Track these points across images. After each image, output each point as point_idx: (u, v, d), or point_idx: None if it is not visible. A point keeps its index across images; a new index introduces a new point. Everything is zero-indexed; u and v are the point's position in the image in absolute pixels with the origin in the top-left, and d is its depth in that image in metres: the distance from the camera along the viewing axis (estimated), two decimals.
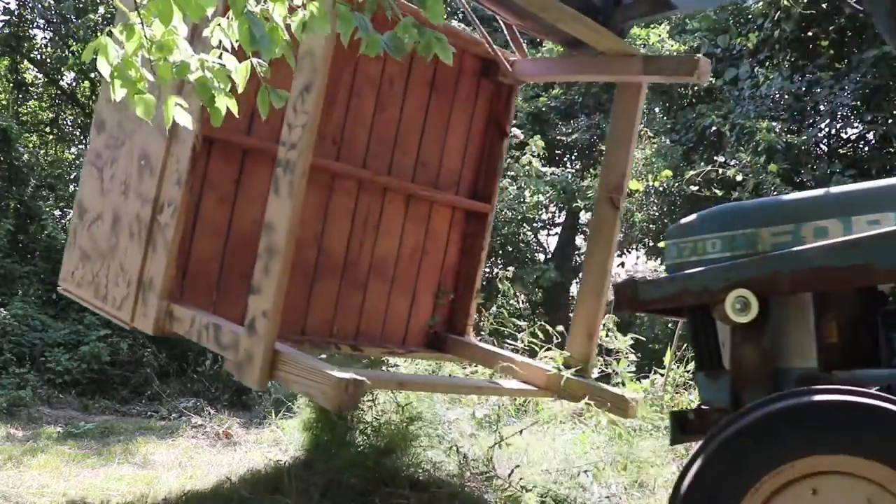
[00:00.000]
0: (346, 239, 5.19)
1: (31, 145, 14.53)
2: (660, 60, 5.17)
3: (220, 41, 2.10)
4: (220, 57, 2.12)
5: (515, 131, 12.89)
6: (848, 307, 2.61)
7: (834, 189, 2.91)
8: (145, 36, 1.95)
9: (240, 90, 2.19)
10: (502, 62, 5.39)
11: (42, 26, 15.75)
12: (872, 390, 2.11)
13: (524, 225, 13.16)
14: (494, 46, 5.23)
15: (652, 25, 12.22)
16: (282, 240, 3.60)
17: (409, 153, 5.40)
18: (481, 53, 5.44)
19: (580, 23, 4.49)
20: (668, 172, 10.24)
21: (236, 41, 2.06)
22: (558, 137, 13.90)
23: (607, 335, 7.23)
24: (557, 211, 14.96)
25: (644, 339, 7.99)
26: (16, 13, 15.05)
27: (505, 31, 5.41)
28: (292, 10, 2.11)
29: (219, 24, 2.10)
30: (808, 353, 2.61)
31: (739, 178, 9.57)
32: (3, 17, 14.91)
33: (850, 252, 2.38)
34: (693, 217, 3.06)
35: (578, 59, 5.22)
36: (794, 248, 2.56)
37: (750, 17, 11.15)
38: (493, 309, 8.36)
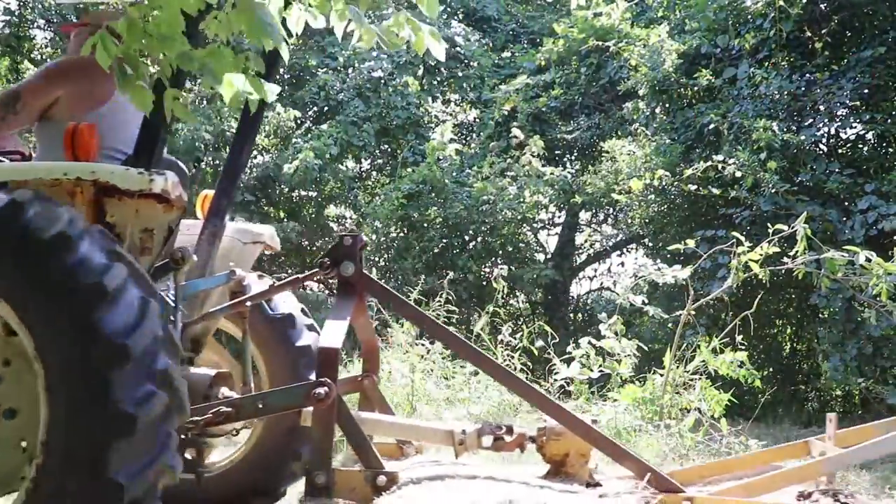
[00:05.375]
0: None
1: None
2: None
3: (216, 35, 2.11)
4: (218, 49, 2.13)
5: (515, 131, 12.90)
6: None
7: None
8: (145, 30, 1.97)
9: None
10: None
11: (42, 26, 15.76)
12: None
13: (524, 225, 13.17)
14: None
15: (651, 26, 12.24)
16: None
17: None
18: None
19: None
20: (660, 172, 10.27)
21: (239, 33, 2.07)
22: (558, 137, 13.92)
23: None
24: (557, 210, 14.99)
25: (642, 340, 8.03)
26: (16, 13, 15.06)
27: None
28: (288, 3, 2.12)
29: (216, 18, 2.11)
30: None
31: (738, 175, 9.58)
32: (3, 18, 14.93)
33: None
34: None
35: None
36: None
37: (749, 17, 11.15)
38: (490, 308, 8.36)
